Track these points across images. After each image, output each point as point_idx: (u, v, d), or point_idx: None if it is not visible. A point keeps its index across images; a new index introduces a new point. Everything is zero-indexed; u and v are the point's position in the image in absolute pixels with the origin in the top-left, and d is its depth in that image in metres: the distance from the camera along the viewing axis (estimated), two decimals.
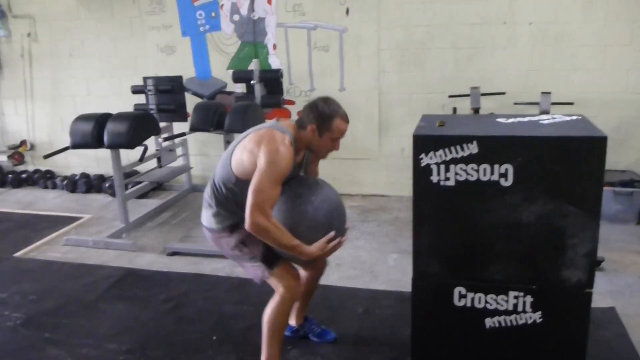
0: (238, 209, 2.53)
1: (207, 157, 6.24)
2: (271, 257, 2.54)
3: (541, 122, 2.38)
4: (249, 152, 2.43)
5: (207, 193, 2.67)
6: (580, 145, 2.07)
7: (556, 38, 4.93)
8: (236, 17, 5.70)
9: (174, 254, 4.36)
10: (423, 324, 2.44)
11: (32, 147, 6.88)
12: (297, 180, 2.58)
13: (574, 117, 2.44)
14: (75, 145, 4.52)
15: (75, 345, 3.13)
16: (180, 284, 3.85)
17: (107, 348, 3.09)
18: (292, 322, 3.02)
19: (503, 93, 4.99)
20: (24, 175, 6.68)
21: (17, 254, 4.48)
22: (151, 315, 3.44)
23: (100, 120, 4.50)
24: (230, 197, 2.57)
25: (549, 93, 4.38)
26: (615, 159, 4.93)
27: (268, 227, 2.33)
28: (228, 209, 2.60)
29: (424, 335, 2.45)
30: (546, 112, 4.24)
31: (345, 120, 2.54)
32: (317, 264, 2.80)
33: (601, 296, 3.39)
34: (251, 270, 2.62)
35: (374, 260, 4.12)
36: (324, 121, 2.48)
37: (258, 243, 2.52)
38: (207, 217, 2.67)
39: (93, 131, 4.43)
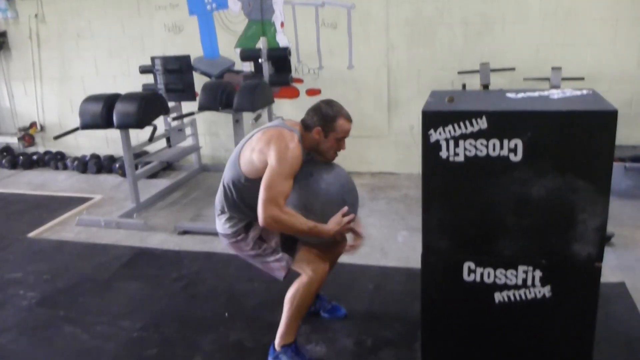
0: (249, 210, 2.59)
1: (216, 136, 6.25)
2: (292, 244, 2.62)
3: (551, 96, 2.36)
4: (259, 152, 2.48)
5: (218, 199, 2.71)
6: (590, 120, 2.05)
7: (567, 12, 4.86)
8: None
9: (185, 233, 4.39)
10: (433, 299, 2.45)
11: (42, 128, 6.92)
12: (307, 162, 2.60)
13: (585, 92, 2.41)
14: (85, 126, 4.55)
15: (90, 322, 3.18)
16: (191, 262, 3.89)
17: (121, 325, 3.14)
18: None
19: (513, 69, 4.94)
20: (34, 157, 6.73)
21: (31, 235, 4.53)
22: (163, 294, 3.48)
23: (109, 100, 4.51)
24: (241, 198, 2.61)
25: (560, 68, 4.34)
26: (627, 134, 4.88)
27: (281, 217, 2.39)
28: (240, 210, 2.64)
29: (434, 311, 2.46)
30: (556, 88, 4.20)
31: (349, 119, 2.61)
32: (339, 246, 2.80)
33: (611, 271, 3.39)
34: (275, 265, 2.66)
35: (384, 237, 4.14)
36: (328, 122, 2.55)
37: (275, 235, 2.62)
38: (220, 223, 2.72)
39: (102, 112, 4.45)
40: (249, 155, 2.53)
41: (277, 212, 2.38)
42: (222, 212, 2.68)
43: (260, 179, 2.45)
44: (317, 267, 2.58)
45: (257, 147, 2.49)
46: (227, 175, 2.64)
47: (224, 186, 2.66)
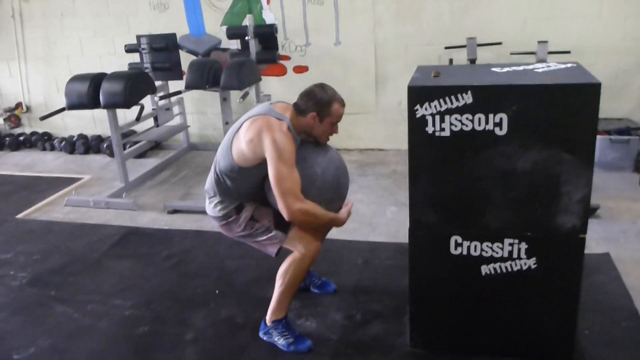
0: (243, 196, 2.65)
1: (204, 114, 6.22)
2: (285, 222, 2.56)
3: (536, 70, 2.37)
4: (248, 142, 2.47)
5: (209, 184, 2.70)
6: (574, 93, 2.07)
7: None
8: None
9: (175, 211, 4.40)
10: (420, 273, 2.49)
11: (28, 109, 6.85)
12: (300, 146, 2.60)
13: (569, 65, 2.43)
14: (71, 106, 4.51)
15: (81, 302, 3.20)
16: (182, 240, 3.91)
17: (112, 304, 3.16)
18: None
19: (500, 43, 4.94)
20: (21, 138, 6.68)
21: (20, 216, 4.53)
22: (154, 272, 3.50)
23: (95, 80, 4.47)
24: (235, 187, 2.61)
25: (546, 42, 4.34)
26: (613, 107, 4.91)
27: (308, 208, 2.44)
28: (232, 196, 2.65)
29: (422, 284, 2.50)
30: (543, 61, 4.21)
31: (343, 104, 2.62)
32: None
33: (596, 242, 3.45)
34: (267, 243, 2.67)
35: (373, 213, 4.17)
36: (324, 107, 2.55)
37: (267, 214, 2.64)
38: (210, 207, 2.72)
39: (88, 91, 4.41)
40: (239, 146, 2.52)
41: (301, 204, 2.40)
42: (214, 196, 2.68)
43: (253, 167, 2.50)
44: (309, 244, 2.58)
45: (247, 138, 2.48)
46: (220, 165, 2.62)
47: (216, 174, 2.64)
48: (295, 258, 2.58)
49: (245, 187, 2.60)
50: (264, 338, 2.73)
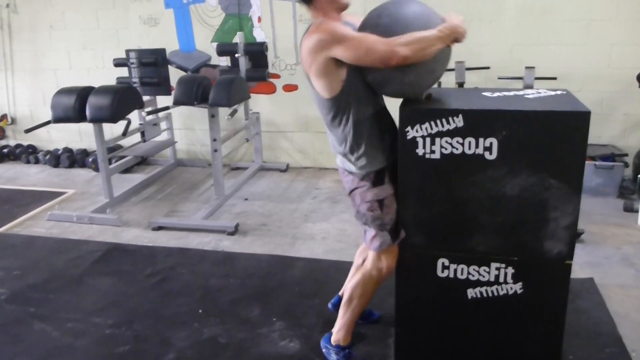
0: (374, 139, 2.31)
1: (191, 131, 6.20)
2: (397, 231, 2.37)
3: (526, 96, 2.39)
4: (309, 68, 2.18)
5: (335, 142, 2.38)
6: (564, 120, 2.09)
7: (541, 12, 4.93)
8: None
9: (159, 228, 4.36)
10: (407, 294, 2.48)
11: (13, 121, 6.78)
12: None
13: (559, 92, 2.46)
14: (57, 119, 4.47)
15: (61, 319, 3.14)
16: (166, 258, 3.86)
17: (93, 322, 3.10)
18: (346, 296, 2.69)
19: (487, 67, 5.00)
20: (5, 150, 6.60)
21: (1, 230, 4.45)
22: (137, 290, 3.45)
23: (82, 93, 4.44)
24: (356, 126, 2.26)
25: (533, 68, 4.39)
26: (597, 133, 4.98)
27: (408, 39, 2.03)
28: (364, 142, 2.29)
29: (408, 305, 2.49)
30: (530, 87, 4.27)
31: None
32: None
33: (581, 267, 3.46)
34: (370, 236, 2.42)
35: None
36: None
37: (393, 210, 2.35)
38: (343, 160, 2.41)
39: (75, 105, 4.38)
40: (314, 82, 2.23)
41: (397, 42, 2.02)
42: (347, 152, 2.33)
43: (340, 90, 2.18)
44: (391, 265, 2.42)
45: (306, 70, 2.22)
46: (325, 121, 2.33)
47: (330, 133, 2.37)
48: (370, 276, 2.46)
49: (363, 123, 2.26)
50: (323, 349, 2.69)
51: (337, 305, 2.83)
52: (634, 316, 2.97)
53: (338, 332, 2.64)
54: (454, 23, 2.14)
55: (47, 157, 6.28)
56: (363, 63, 2.10)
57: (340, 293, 2.98)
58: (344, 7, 2.28)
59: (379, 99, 2.39)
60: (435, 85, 2.83)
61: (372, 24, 2.16)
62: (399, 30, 2.06)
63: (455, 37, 2.14)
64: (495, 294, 2.35)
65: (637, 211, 4.20)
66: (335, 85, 2.18)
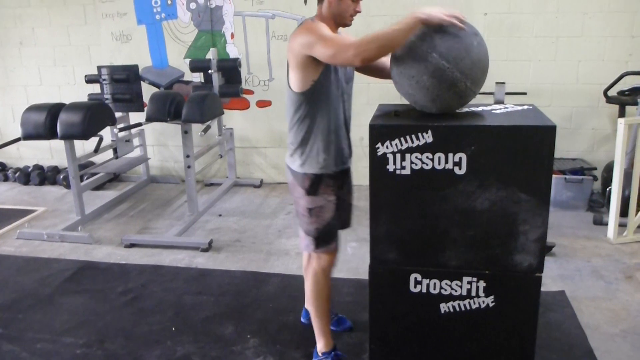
0: (319, 140, 2.49)
1: (164, 147, 6.16)
2: (321, 241, 2.59)
3: (494, 111, 2.43)
4: (291, 58, 2.38)
5: (289, 139, 2.57)
6: (530, 134, 2.12)
7: (510, 29, 5.03)
8: (193, 5, 5.63)
9: (132, 245, 4.31)
10: (380, 310, 2.48)
11: None
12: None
13: (526, 107, 2.50)
14: (27, 137, 4.41)
15: (30, 340, 3.07)
16: (138, 275, 3.81)
17: (63, 342, 3.04)
18: (308, 306, 2.94)
19: None
20: None
21: None
22: (109, 308, 3.40)
23: (53, 110, 4.39)
24: (310, 125, 2.47)
25: (504, 83, 4.46)
26: (567, 148, 5.07)
27: (362, 43, 2.20)
28: (310, 141, 2.50)
29: (382, 321, 2.49)
30: (500, 102, 4.32)
31: None
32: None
33: (552, 280, 3.51)
34: (302, 236, 2.66)
35: None
36: None
37: (322, 221, 2.56)
38: (290, 158, 2.60)
39: (45, 122, 4.32)
40: (290, 73, 2.43)
41: (356, 41, 2.20)
42: (294, 149, 2.54)
43: (309, 85, 2.38)
44: (323, 267, 2.65)
45: (288, 61, 2.41)
46: (288, 110, 2.51)
47: (289, 123, 2.53)
48: (311, 280, 2.68)
49: (319, 124, 2.46)
50: None
51: (308, 317, 2.98)
52: (605, 328, 3.02)
53: (319, 341, 2.74)
54: (417, 12, 2.23)
55: (17, 174, 6.18)
56: (336, 61, 2.27)
57: (306, 305, 3.03)
58: (344, 26, 2.52)
59: (342, 114, 2.56)
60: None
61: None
62: None
63: (424, 21, 2.22)
64: (468, 307, 2.36)
65: (606, 224, 4.27)
66: (306, 82, 2.39)
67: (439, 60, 2.16)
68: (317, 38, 2.26)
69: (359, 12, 2.49)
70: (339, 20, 2.47)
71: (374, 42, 2.17)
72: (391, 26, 2.19)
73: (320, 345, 2.73)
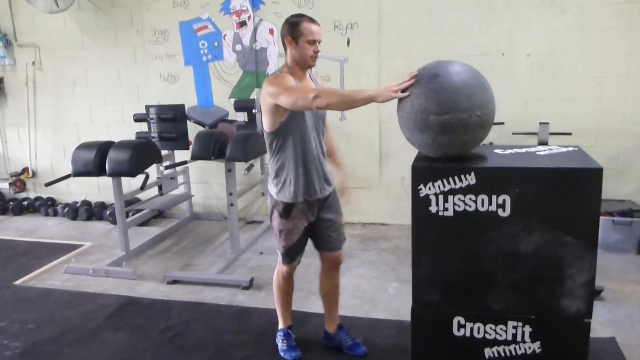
0: (286, 172, 2.84)
1: (208, 185, 6.27)
2: (286, 257, 3.02)
3: (538, 153, 2.41)
4: (262, 105, 2.76)
5: (269, 169, 2.96)
6: (576, 177, 2.09)
7: (554, 69, 5.00)
8: (238, 47, 5.79)
9: (175, 282, 4.36)
10: (423, 354, 2.44)
11: (34, 174, 6.91)
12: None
13: (570, 149, 2.47)
14: (77, 173, 4.56)
15: None
16: (180, 312, 3.85)
17: None
18: (328, 328, 3.28)
19: (502, 123, 5.02)
20: (25, 203, 6.70)
21: (17, 282, 4.48)
22: (150, 345, 3.43)
23: (102, 148, 4.54)
24: (282, 159, 2.84)
25: (547, 123, 4.42)
26: (614, 189, 4.95)
27: (327, 96, 2.47)
28: (284, 174, 2.85)
29: None
30: (544, 142, 4.28)
31: (312, 21, 2.75)
32: (326, 255, 3.11)
33: (601, 326, 3.39)
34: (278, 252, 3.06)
35: (374, 289, 4.12)
36: (293, 28, 2.73)
37: (289, 242, 2.94)
38: (270, 185, 2.97)
39: (95, 159, 4.47)
40: (263, 117, 2.81)
41: (312, 95, 2.47)
42: (272, 179, 2.93)
43: (279, 124, 2.75)
44: (282, 274, 3.12)
45: (262, 105, 2.78)
46: (268, 149, 2.91)
47: (269, 159, 2.93)
48: (276, 275, 3.16)
49: (289, 158, 2.82)
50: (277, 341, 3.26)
51: (326, 338, 3.30)
52: None
53: (279, 321, 3.28)
54: (384, 89, 2.36)
55: (66, 209, 6.37)
56: (296, 107, 2.59)
57: (326, 329, 3.31)
58: (309, 67, 2.83)
59: (315, 149, 2.85)
60: None
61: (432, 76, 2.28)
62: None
63: (373, 98, 2.35)
64: (513, 353, 2.31)
65: None
66: (275, 123, 2.77)
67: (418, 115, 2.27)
68: (281, 89, 2.59)
69: (317, 52, 2.78)
70: (303, 63, 2.79)
71: (332, 95, 2.50)
72: (350, 90, 2.57)
73: (280, 323, 3.27)
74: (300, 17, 2.75)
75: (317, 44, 2.76)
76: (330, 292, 3.21)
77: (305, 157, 2.82)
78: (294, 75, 2.77)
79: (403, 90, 2.31)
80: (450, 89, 2.18)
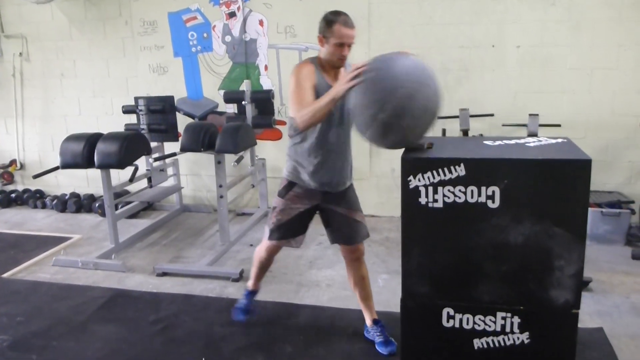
0: (300, 157, 2.92)
1: (198, 177, 6.24)
2: (273, 234, 3.06)
3: (527, 144, 2.41)
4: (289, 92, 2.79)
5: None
6: (565, 168, 2.10)
7: (543, 61, 5.01)
8: (228, 39, 5.76)
9: (164, 274, 4.34)
10: (412, 345, 2.45)
11: (22, 166, 6.86)
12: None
13: (560, 140, 2.48)
14: (65, 165, 4.52)
15: None
16: (170, 305, 3.83)
17: None
18: (366, 321, 3.24)
19: (492, 115, 5.04)
20: (13, 195, 6.64)
21: (5, 275, 4.45)
22: (140, 337, 3.42)
23: (91, 140, 4.51)
24: (300, 146, 2.90)
25: (537, 115, 4.44)
26: (603, 180, 4.98)
27: (302, 116, 2.56)
28: (293, 158, 2.96)
29: (414, 356, 2.46)
30: (534, 134, 4.29)
31: (346, 24, 2.69)
32: (342, 248, 3.13)
33: (589, 316, 3.41)
34: (265, 227, 3.14)
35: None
36: (327, 27, 2.70)
37: (277, 220, 3.02)
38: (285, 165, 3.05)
39: (83, 151, 4.43)
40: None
41: (294, 114, 2.60)
42: (288, 157, 3.02)
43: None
44: (267, 250, 3.20)
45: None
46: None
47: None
48: (259, 249, 3.25)
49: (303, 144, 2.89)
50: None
51: (366, 331, 3.26)
52: None
53: (249, 282, 3.46)
54: (338, 88, 2.48)
55: (54, 202, 6.33)
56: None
57: (367, 323, 3.25)
58: (337, 67, 2.82)
59: (333, 143, 2.88)
60: (440, 134, 2.88)
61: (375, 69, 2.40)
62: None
63: (341, 92, 2.46)
64: (502, 344, 2.32)
65: None
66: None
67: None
68: (291, 90, 2.68)
69: (345, 55, 2.75)
70: (331, 63, 2.79)
71: (305, 114, 2.55)
72: (323, 100, 2.52)
73: (249, 284, 3.47)
74: (337, 16, 2.70)
75: (347, 47, 2.73)
76: (358, 284, 3.18)
77: (323, 149, 2.85)
78: (323, 69, 2.79)
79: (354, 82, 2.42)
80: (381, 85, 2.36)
